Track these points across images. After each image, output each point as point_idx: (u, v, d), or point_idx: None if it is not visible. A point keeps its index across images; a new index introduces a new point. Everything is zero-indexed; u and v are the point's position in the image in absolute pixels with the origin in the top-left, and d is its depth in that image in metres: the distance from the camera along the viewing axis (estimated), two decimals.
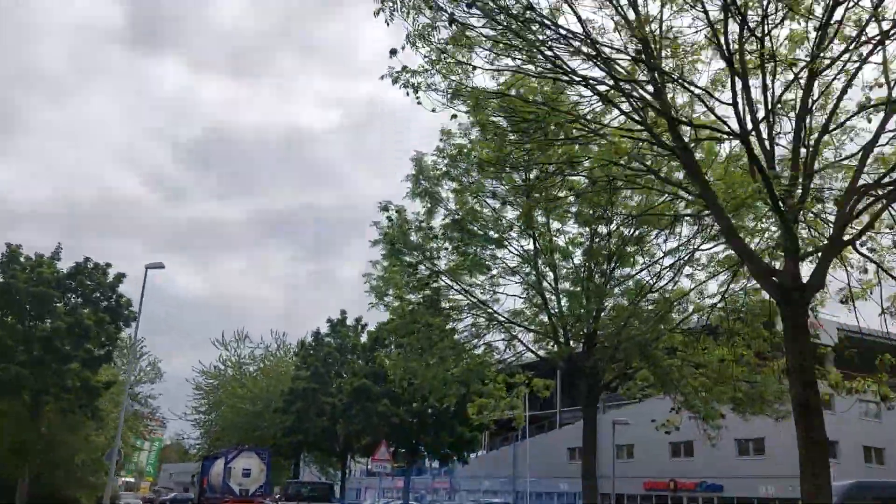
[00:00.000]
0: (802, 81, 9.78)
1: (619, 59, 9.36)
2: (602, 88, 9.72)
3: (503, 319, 18.80)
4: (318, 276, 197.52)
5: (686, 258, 16.81)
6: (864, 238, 9.92)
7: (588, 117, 10.35)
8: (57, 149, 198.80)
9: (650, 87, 9.64)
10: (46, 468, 33.76)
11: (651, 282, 17.77)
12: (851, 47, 9.25)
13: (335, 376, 41.48)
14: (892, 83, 9.10)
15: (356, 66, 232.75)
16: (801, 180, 9.57)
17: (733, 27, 9.13)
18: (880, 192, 9.38)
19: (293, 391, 42.55)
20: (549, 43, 9.27)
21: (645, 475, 44.16)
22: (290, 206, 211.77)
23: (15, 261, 32.88)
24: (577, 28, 9.17)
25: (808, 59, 9.56)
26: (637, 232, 17.68)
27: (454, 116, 10.51)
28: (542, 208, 16.25)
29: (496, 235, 18.08)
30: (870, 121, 9.59)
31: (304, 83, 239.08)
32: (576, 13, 9.01)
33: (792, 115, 10.20)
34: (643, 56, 9.14)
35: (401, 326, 19.02)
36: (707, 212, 11.34)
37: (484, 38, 9.23)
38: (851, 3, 9.07)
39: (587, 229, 18.25)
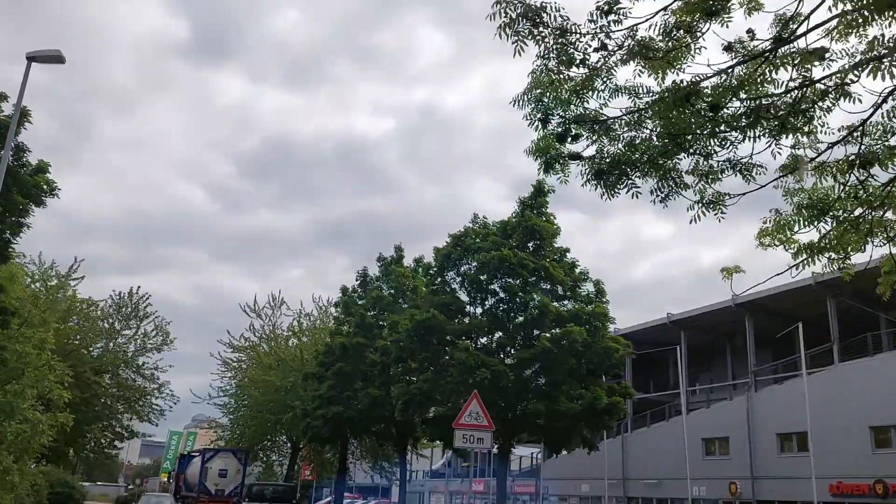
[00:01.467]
0: None
1: None
2: None
3: None
4: None
5: None
6: None
7: None
8: (124, 161, 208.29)
9: None
10: None
11: None
12: None
13: (388, 333, 29.56)
14: None
15: (411, 72, 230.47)
16: None
17: None
18: None
19: (331, 349, 30.87)
20: None
21: (832, 474, 30.29)
22: (346, 214, 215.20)
23: None
24: None
25: None
26: None
27: None
28: None
29: None
30: None
31: (360, 91, 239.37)
32: None
33: None
34: None
35: None
36: None
37: None
38: None
39: None
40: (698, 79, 6.25)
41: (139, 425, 37.18)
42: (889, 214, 7.10)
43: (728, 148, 6.68)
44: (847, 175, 6.89)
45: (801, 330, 28.88)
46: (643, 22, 6.07)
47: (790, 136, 6.51)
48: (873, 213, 7.00)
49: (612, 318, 26.29)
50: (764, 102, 6.31)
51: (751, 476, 33.80)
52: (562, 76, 6.43)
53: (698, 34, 6.14)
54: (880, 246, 7.36)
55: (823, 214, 7.10)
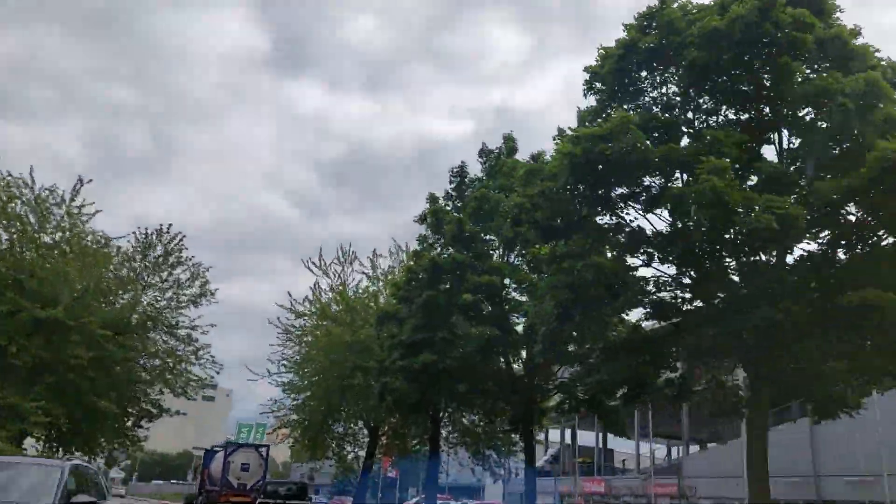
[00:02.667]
0: None
1: None
2: None
3: None
4: None
5: None
6: None
7: None
8: (210, 173, 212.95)
9: None
10: None
11: None
12: None
13: (502, 247, 19.07)
14: None
15: (486, 72, 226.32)
16: None
17: None
18: None
19: (414, 276, 20.87)
20: None
21: None
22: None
23: None
24: None
25: None
26: None
27: None
28: None
29: None
30: None
31: (436, 94, 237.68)
32: None
33: None
34: None
35: None
36: None
37: None
38: None
39: None
40: None
41: (173, 401, 28.34)
42: None
43: None
44: None
45: None
46: None
47: None
48: None
49: None
50: None
51: None
52: None
53: None
54: None
55: None
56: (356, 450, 37.77)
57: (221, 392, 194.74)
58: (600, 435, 48.71)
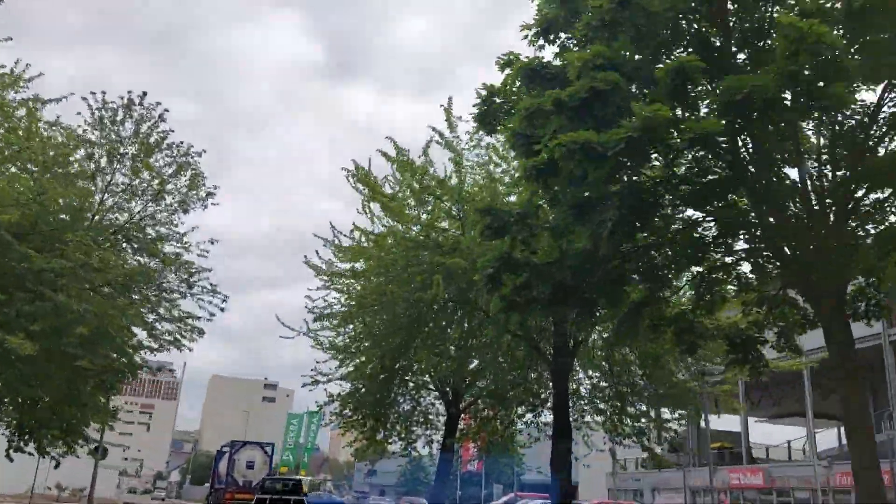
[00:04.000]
0: None
1: None
2: None
3: None
4: None
5: None
6: None
7: None
8: (268, 183, 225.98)
9: None
10: None
11: None
12: None
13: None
14: None
15: None
16: None
17: None
18: None
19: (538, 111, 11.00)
20: None
21: None
22: None
23: None
24: None
25: None
26: None
27: None
28: None
29: None
30: None
31: None
32: None
33: None
34: None
35: None
36: None
37: None
38: None
39: None
40: None
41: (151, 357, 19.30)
42: None
43: None
44: None
45: None
46: None
47: None
48: None
49: None
50: None
51: None
52: None
53: None
54: None
55: None
56: (430, 432, 28.09)
57: (282, 392, 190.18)
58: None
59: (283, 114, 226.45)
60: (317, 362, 25.48)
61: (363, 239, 20.35)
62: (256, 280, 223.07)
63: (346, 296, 24.27)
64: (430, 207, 16.34)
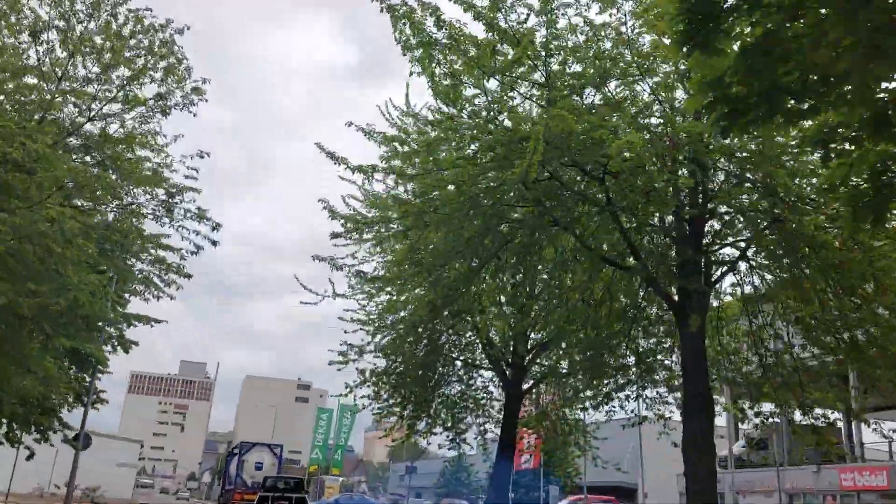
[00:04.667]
0: None
1: None
2: None
3: None
4: None
5: None
6: None
7: None
8: (302, 186, 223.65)
9: None
10: None
11: None
12: None
13: None
14: None
15: None
16: None
17: None
18: None
19: None
20: None
21: None
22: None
23: None
24: None
25: None
26: None
27: None
28: None
29: None
30: None
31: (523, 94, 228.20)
32: None
33: None
34: None
35: None
36: None
37: None
38: None
39: None
40: None
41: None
42: None
43: None
44: None
45: None
46: None
47: None
48: None
49: None
50: None
51: None
52: None
53: None
54: None
55: None
56: (482, 420, 22.98)
57: (315, 393, 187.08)
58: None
59: (317, 117, 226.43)
60: (345, 332, 20.71)
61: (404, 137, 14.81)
62: (290, 282, 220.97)
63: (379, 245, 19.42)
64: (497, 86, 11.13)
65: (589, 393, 15.99)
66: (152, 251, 13.22)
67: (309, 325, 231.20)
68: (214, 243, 13.14)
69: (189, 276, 13.23)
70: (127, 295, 16.00)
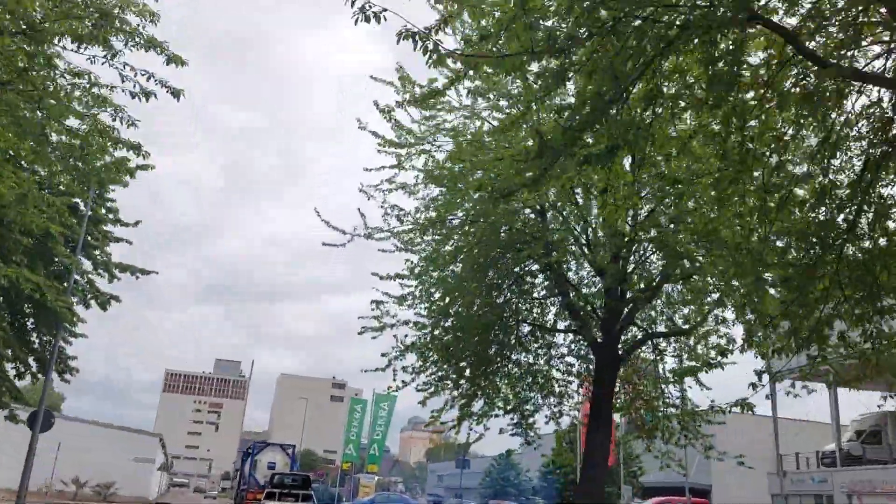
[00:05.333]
0: None
1: None
2: None
3: None
4: None
5: None
6: None
7: None
8: (334, 189, 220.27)
9: None
10: None
11: None
12: None
13: None
14: None
15: None
16: None
17: None
18: None
19: None
20: None
21: None
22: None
23: None
24: None
25: None
26: None
27: None
28: None
29: None
30: None
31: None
32: None
33: None
34: None
35: None
36: None
37: None
38: None
39: None
40: None
41: None
42: None
43: None
44: None
45: None
46: None
47: None
48: None
49: None
50: None
51: None
52: None
53: None
54: None
55: None
56: (554, 400, 17.79)
57: (350, 392, 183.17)
58: None
59: (350, 119, 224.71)
60: (380, 278, 15.87)
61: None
62: (321, 283, 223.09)
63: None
64: None
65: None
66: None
67: (344, 327, 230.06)
68: (177, 95, 8.41)
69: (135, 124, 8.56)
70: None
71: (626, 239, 12.65)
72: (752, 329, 9.36)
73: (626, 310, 14.75)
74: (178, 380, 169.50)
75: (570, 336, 17.00)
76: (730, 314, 13.50)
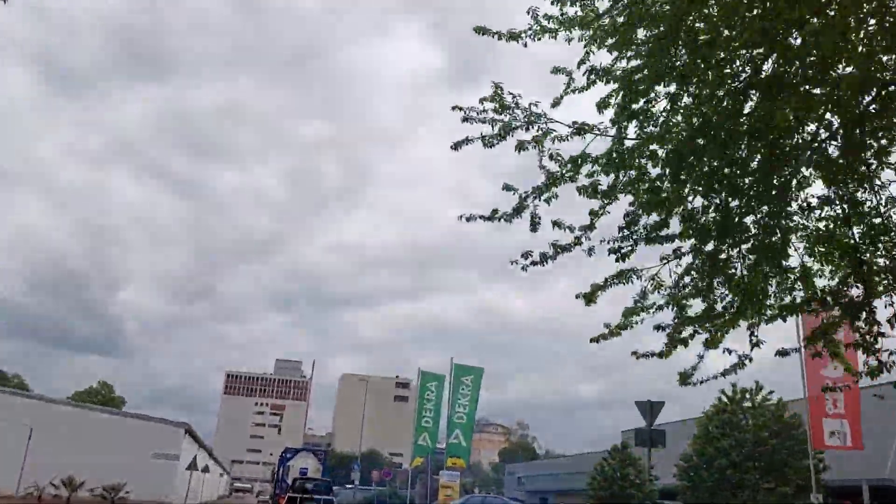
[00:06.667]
0: None
1: None
2: None
3: None
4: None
5: None
6: None
7: None
8: (398, 195, 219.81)
9: None
10: None
11: None
12: None
13: None
14: None
15: None
16: None
17: None
18: None
19: None
20: None
21: None
22: (616, 219, 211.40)
23: None
24: None
25: None
26: None
27: None
28: None
29: None
30: None
31: None
32: None
33: None
34: None
35: None
36: None
37: None
38: None
39: None
40: None
41: None
42: None
43: None
44: None
45: None
46: None
47: None
48: None
49: None
50: None
51: None
52: None
53: None
54: None
55: None
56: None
57: (415, 391, 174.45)
58: None
59: (410, 125, 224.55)
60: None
61: None
62: (387, 290, 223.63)
63: None
64: None
65: None
66: None
67: (407, 334, 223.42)
68: None
69: None
70: None
71: None
72: None
73: None
74: (239, 382, 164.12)
75: None
76: None
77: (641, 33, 6.42)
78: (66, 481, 26.35)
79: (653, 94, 6.64)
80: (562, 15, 6.83)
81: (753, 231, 6.99)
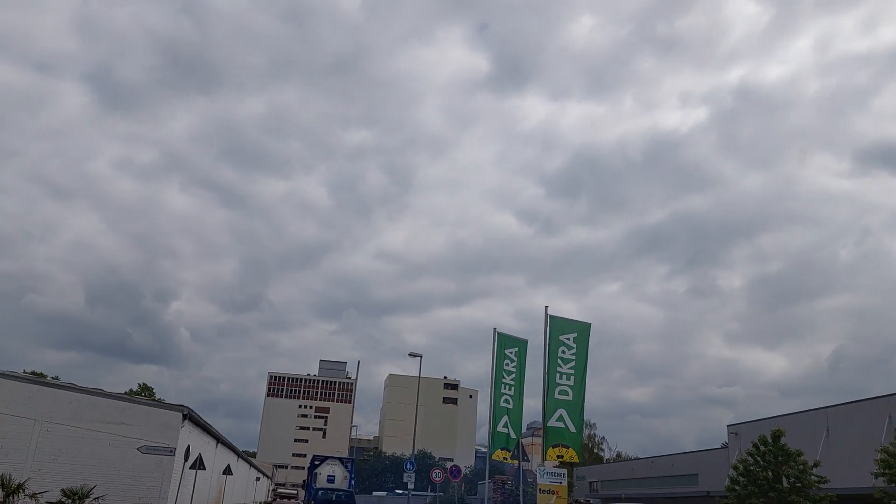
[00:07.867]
0: None
1: None
2: None
3: None
4: (697, 289, 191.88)
5: None
6: None
7: None
8: (443, 200, 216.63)
9: None
10: None
11: None
12: None
13: None
14: None
15: (722, 53, 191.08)
16: None
17: None
18: None
19: None
20: None
21: None
22: (660, 219, 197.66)
23: None
24: None
25: None
26: None
27: None
28: None
29: None
30: None
31: (666, 85, 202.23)
32: None
33: None
34: None
35: None
36: None
37: None
38: None
39: None
40: None
41: None
42: None
43: None
44: None
45: None
46: None
47: None
48: None
49: None
50: None
51: None
52: None
53: None
54: None
55: None
56: None
57: (464, 393, 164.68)
58: None
59: (454, 129, 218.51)
60: None
61: None
62: (434, 296, 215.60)
63: None
64: None
65: None
66: None
67: (453, 340, 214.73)
68: None
69: None
70: None
71: None
72: None
73: None
74: (282, 383, 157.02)
75: None
76: None
77: None
78: (3, 483, 18.14)
79: None
80: None
81: None
